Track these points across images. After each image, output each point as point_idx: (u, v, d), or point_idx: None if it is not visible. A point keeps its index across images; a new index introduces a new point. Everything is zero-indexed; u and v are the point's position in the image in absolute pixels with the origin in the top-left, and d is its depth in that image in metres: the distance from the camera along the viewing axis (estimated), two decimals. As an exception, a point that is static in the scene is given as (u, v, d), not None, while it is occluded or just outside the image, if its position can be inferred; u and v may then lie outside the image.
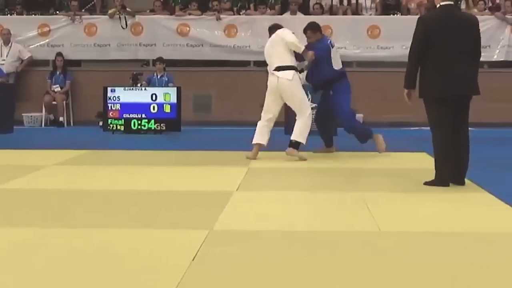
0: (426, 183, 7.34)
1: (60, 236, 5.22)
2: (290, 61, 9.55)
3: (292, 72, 9.48)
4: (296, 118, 9.69)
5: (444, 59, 7.13)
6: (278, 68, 9.48)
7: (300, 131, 9.54)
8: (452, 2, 7.31)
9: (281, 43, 9.54)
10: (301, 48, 9.56)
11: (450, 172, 7.25)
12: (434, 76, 7.17)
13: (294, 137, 9.54)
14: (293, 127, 9.69)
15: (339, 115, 10.11)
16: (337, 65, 10.09)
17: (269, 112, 9.71)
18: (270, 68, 9.61)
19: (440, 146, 7.24)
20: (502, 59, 15.81)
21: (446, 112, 7.17)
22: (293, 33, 9.85)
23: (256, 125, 9.80)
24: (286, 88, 9.51)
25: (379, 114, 14.64)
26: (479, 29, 7.44)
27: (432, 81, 7.19)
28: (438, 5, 7.36)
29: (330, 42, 10.22)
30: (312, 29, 10.21)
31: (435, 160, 7.33)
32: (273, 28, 9.98)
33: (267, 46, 9.81)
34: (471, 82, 7.24)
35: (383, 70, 15.37)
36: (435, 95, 7.20)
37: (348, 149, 10.36)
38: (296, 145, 9.51)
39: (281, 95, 9.57)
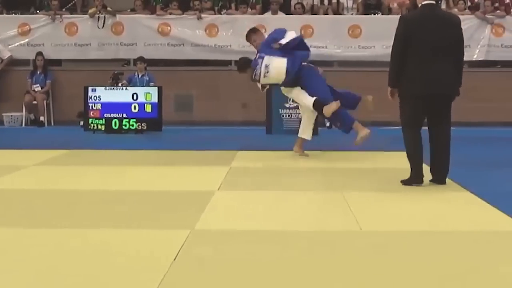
0: (402, 182, 7.37)
1: (42, 236, 5.20)
2: None
3: None
4: None
5: (424, 58, 7.15)
6: None
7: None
8: (434, 2, 7.34)
9: None
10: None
11: (421, 167, 7.29)
12: (414, 75, 7.19)
13: None
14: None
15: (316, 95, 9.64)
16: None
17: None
18: None
19: (410, 145, 7.29)
20: (482, 59, 15.88)
21: (420, 112, 7.21)
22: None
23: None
24: None
25: (361, 114, 14.64)
26: (461, 29, 7.46)
27: (412, 79, 7.20)
28: (420, 5, 7.39)
29: (255, 59, 9.63)
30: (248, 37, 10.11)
31: (407, 159, 7.37)
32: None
33: None
34: (450, 82, 7.24)
35: (364, 69, 15.40)
36: (413, 93, 7.21)
37: (330, 148, 10.37)
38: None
39: None
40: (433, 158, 7.39)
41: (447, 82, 7.21)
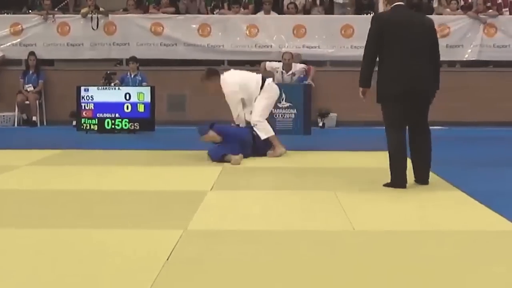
0: (385, 185, 7.28)
1: (34, 237, 5.19)
2: None
3: None
4: None
5: (398, 58, 7.10)
6: None
7: None
8: (403, 3, 7.32)
9: None
10: None
11: (405, 171, 7.16)
12: (388, 75, 7.14)
13: None
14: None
15: None
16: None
17: None
18: None
19: (393, 146, 7.18)
20: (474, 59, 15.90)
21: (401, 112, 7.15)
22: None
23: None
24: None
25: (353, 113, 14.68)
26: (435, 31, 7.46)
27: (387, 79, 7.16)
28: (391, 6, 7.36)
29: None
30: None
31: (389, 161, 7.26)
32: None
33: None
34: (424, 81, 7.18)
35: (357, 69, 15.35)
36: (389, 93, 7.16)
37: (322, 148, 10.38)
38: None
39: None
40: (415, 163, 7.38)
41: (420, 81, 7.14)
